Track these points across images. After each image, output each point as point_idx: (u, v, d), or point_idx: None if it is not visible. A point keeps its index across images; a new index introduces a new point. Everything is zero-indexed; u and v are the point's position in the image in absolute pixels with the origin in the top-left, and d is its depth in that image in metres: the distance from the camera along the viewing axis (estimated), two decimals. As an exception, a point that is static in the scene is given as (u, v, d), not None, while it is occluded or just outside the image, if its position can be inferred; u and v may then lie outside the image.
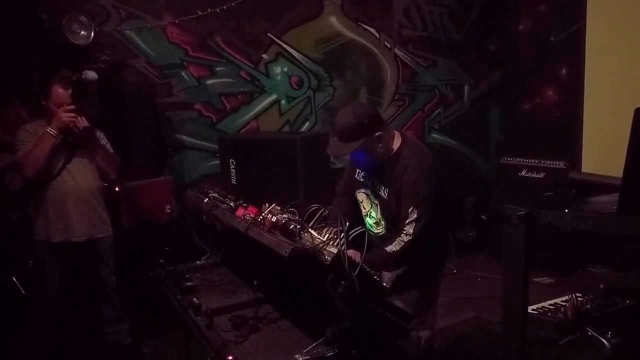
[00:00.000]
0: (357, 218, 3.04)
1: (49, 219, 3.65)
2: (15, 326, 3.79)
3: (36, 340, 3.76)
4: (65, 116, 3.49)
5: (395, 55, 6.24)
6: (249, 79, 5.36)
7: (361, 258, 2.04)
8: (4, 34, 3.98)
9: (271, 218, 2.33)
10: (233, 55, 5.23)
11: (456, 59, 6.68)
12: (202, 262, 3.29)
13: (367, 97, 6.09)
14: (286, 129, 5.63)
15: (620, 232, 1.66)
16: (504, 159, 6.21)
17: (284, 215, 2.34)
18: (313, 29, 5.65)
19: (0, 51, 3.94)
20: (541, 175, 5.77)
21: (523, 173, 5.92)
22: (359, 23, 5.93)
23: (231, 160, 4.66)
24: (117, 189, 4.18)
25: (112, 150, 3.90)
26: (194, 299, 2.62)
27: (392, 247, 2.71)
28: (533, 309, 2.30)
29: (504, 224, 1.77)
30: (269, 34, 5.40)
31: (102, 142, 3.83)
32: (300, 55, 5.62)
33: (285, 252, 2.02)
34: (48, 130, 3.49)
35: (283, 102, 5.60)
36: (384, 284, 2.23)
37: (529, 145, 6.32)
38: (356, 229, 2.17)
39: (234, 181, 4.65)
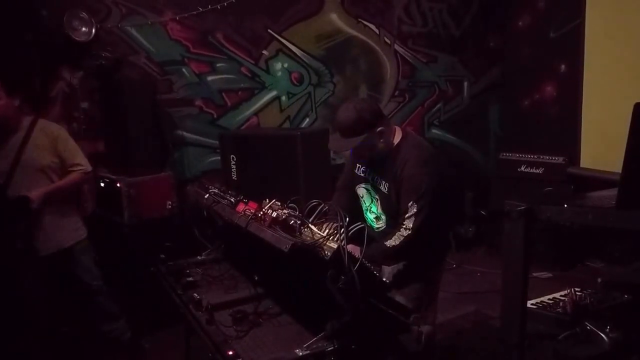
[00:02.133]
0: (357, 213, 3.05)
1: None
2: (8, 325, 3.77)
3: (30, 339, 3.74)
4: None
5: (395, 51, 6.25)
6: (249, 75, 5.37)
7: (361, 253, 2.05)
8: (5, 31, 3.99)
9: (271, 213, 2.34)
10: (234, 51, 5.24)
11: (456, 55, 6.68)
12: (202, 257, 3.29)
13: (367, 93, 6.10)
14: (286, 125, 5.64)
15: (619, 227, 1.67)
16: (503, 155, 6.22)
17: (284, 211, 2.35)
18: (313, 25, 5.65)
19: (1, 48, 3.94)
20: (540, 170, 5.78)
21: (522, 168, 5.94)
22: (359, 19, 5.93)
23: (232, 156, 4.68)
24: (118, 185, 4.19)
25: (77, 161, 3.77)
26: (195, 294, 2.63)
27: (391, 242, 2.72)
28: (532, 304, 2.31)
29: (504, 219, 1.79)
30: (269, 31, 5.41)
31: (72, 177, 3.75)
32: (301, 51, 5.63)
33: (286, 248, 2.03)
34: None
35: (283, 98, 5.60)
36: (384, 279, 2.24)
37: (528, 140, 6.34)
38: (356, 224, 2.18)
39: (234, 177, 4.66)
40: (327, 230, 2.17)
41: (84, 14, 4.33)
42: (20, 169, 3.58)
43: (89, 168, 3.82)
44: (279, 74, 5.55)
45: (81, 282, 3.87)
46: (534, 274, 5.04)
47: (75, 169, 3.75)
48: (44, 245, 3.68)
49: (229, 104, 5.31)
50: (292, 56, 5.59)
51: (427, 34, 6.44)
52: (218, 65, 5.19)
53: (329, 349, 2.06)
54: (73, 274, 3.86)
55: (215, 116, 5.25)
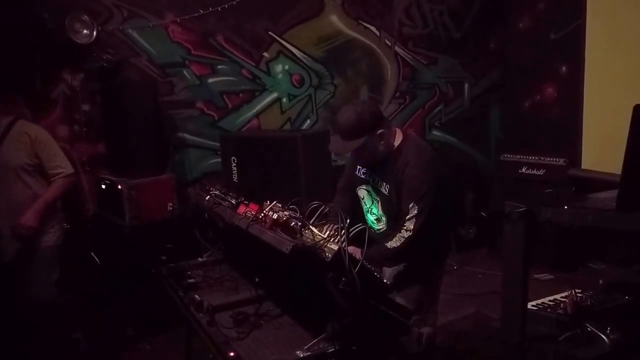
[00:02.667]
0: (358, 215, 3.06)
1: None
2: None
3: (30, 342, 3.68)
4: None
5: (396, 53, 6.25)
6: (250, 77, 5.38)
7: (362, 255, 2.06)
8: (7, 34, 4.00)
9: (272, 215, 2.34)
10: (234, 53, 5.25)
11: (456, 57, 6.68)
12: (203, 259, 3.29)
13: (368, 95, 6.10)
14: (287, 126, 5.64)
15: (619, 228, 1.67)
16: (504, 156, 6.22)
17: (285, 213, 2.35)
18: (314, 27, 5.66)
19: (2, 51, 3.95)
20: (541, 172, 5.78)
21: (523, 170, 5.93)
22: (360, 21, 5.93)
23: (233, 158, 4.68)
24: (119, 186, 4.19)
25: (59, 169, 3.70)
26: (196, 296, 2.63)
27: (392, 243, 2.73)
28: (533, 305, 2.32)
29: (504, 221, 1.79)
30: (270, 33, 5.41)
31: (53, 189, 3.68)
32: (301, 53, 5.63)
33: (286, 249, 2.03)
34: None
35: (284, 100, 5.61)
36: (385, 281, 2.24)
37: (529, 142, 6.34)
38: (357, 225, 2.18)
39: (235, 179, 4.66)
40: (327, 232, 2.17)
41: (85, 17, 4.34)
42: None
43: (70, 170, 3.76)
44: (280, 76, 5.55)
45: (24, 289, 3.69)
46: (535, 276, 5.05)
47: (55, 171, 3.68)
48: (6, 250, 3.61)
49: (229, 106, 5.32)
50: (292, 58, 5.60)
51: (428, 36, 6.44)
52: (219, 67, 5.20)
53: (330, 350, 2.06)
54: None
55: (216, 118, 5.25)
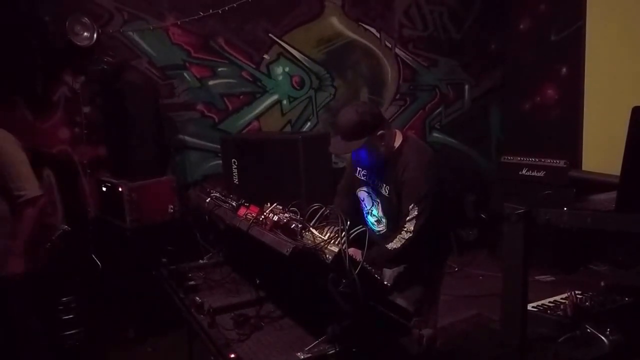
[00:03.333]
0: (358, 216, 3.06)
1: None
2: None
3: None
4: None
5: (396, 55, 6.26)
6: (250, 79, 5.38)
7: (362, 256, 2.06)
8: (8, 37, 4.01)
9: (273, 217, 2.35)
10: (235, 55, 5.26)
11: (457, 59, 6.69)
12: (204, 261, 3.30)
13: (368, 97, 6.11)
14: (288, 129, 5.65)
15: (618, 230, 1.67)
16: (504, 158, 6.22)
17: (286, 215, 2.36)
18: (314, 29, 5.66)
19: (3, 53, 3.96)
20: (542, 173, 5.78)
21: (523, 172, 5.93)
22: (360, 23, 5.94)
23: (233, 160, 4.69)
24: (120, 189, 4.20)
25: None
26: (197, 298, 2.64)
27: (392, 245, 2.73)
28: (533, 307, 2.31)
29: (503, 222, 1.79)
30: (270, 35, 5.42)
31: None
32: (302, 55, 5.64)
33: (287, 251, 2.03)
34: None
35: (284, 102, 5.62)
36: (385, 282, 2.24)
37: (529, 144, 6.34)
38: (357, 227, 2.18)
39: (236, 181, 4.67)
40: (328, 234, 2.17)
41: (86, 19, 4.36)
42: None
43: (34, 193, 3.20)
44: (280, 78, 5.56)
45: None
46: (537, 277, 5.04)
47: (18, 192, 3.16)
48: None
49: (230, 108, 5.32)
50: (293, 60, 5.60)
51: (428, 38, 6.44)
52: (219, 69, 5.21)
53: (330, 352, 2.07)
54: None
55: (216, 120, 5.26)
